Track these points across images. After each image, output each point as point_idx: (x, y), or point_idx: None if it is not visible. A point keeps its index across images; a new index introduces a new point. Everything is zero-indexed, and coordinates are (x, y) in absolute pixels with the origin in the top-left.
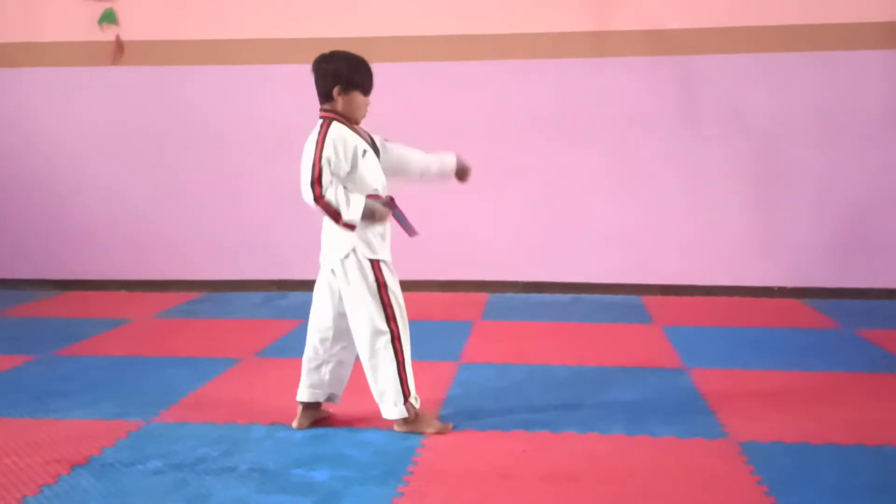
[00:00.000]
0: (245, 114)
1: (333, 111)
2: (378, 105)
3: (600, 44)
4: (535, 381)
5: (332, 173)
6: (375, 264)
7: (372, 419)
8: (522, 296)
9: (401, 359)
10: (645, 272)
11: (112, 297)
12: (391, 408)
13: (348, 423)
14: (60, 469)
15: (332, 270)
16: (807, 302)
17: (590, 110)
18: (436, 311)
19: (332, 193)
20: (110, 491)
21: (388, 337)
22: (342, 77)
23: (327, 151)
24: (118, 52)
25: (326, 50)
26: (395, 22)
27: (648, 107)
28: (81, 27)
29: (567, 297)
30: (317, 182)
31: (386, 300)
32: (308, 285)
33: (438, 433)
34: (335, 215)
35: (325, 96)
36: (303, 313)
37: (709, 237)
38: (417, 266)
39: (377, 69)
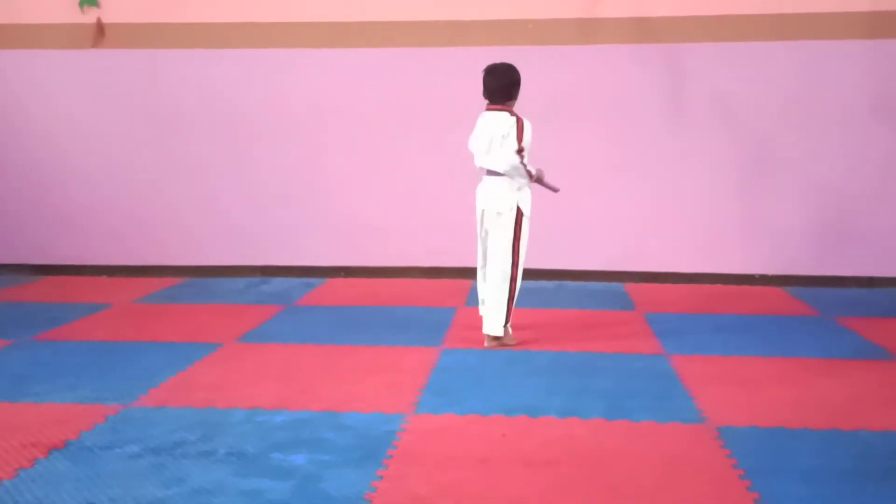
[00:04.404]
0: (228, 100)
1: (511, 107)
2: (369, 90)
3: (587, 31)
4: (516, 367)
5: (526, 148)
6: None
7: (353, 403)
8: None
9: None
10: (628, 260)
11: (92, 283)
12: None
13: (329, 406)
14: (38, 453)
15: (499, 213)
16: (787, 289)
17: (575, 98)
18: (420, 297)
19: (527, 160)
20: (87, 475)
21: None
22: (520, 86)
23: (526, 133)
24: (99, 34)
25: (311, 34)
26: (379, 7)
27: (633, 95)
28: (62, 9)
29: (551, 283)
30: (520, 152)
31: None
32: (291, 271)
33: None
34: (528, 174)
35: (509, 96)
36: (285, 299)
37: (691, 225)
38: (402, 252)
39: (361, 55)
